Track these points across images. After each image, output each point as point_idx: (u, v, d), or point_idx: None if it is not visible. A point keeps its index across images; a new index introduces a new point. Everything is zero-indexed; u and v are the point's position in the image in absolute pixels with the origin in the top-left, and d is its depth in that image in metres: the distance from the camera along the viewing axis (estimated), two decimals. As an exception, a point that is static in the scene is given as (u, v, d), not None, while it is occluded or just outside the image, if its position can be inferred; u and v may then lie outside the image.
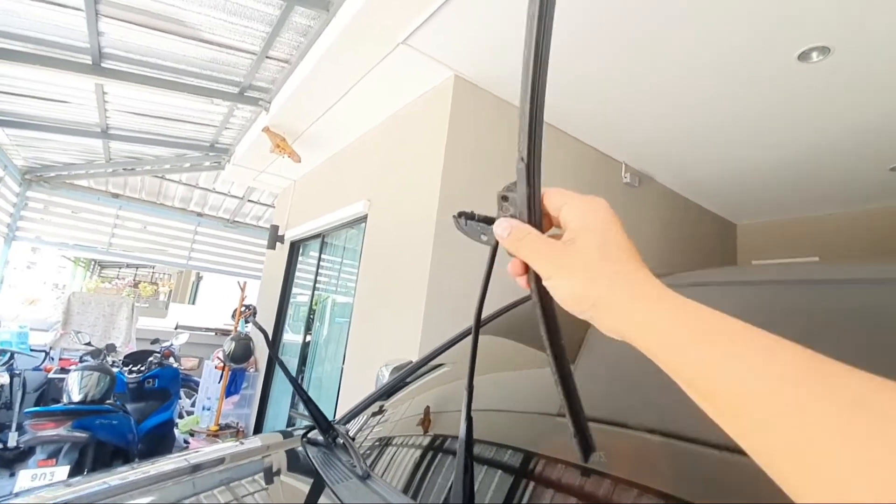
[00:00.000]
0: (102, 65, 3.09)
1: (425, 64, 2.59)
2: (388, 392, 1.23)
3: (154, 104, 3.81)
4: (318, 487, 0.89)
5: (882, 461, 0.20)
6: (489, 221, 0.42)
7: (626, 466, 0.66)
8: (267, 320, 4.68)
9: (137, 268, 14.54)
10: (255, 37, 2.80)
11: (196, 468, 1.02)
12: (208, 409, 4.47)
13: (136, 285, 13.04)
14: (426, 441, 0.96)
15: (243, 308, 4.46)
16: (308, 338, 4.26)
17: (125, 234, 6.55)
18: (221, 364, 4.20)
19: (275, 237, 4.78)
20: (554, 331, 0.38)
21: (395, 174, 3.05)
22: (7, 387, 4.09)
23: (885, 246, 3.98)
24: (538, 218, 0.39)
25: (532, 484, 0.70)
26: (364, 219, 3.28)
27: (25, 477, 2.67)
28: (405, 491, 0.80)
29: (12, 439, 3.77)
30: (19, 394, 4.12)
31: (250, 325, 5.01)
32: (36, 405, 4.19)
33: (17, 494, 1.08)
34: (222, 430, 4.06)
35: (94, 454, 2.95)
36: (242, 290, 4.60)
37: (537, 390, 0.94)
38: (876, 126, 2.81)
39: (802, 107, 2.69)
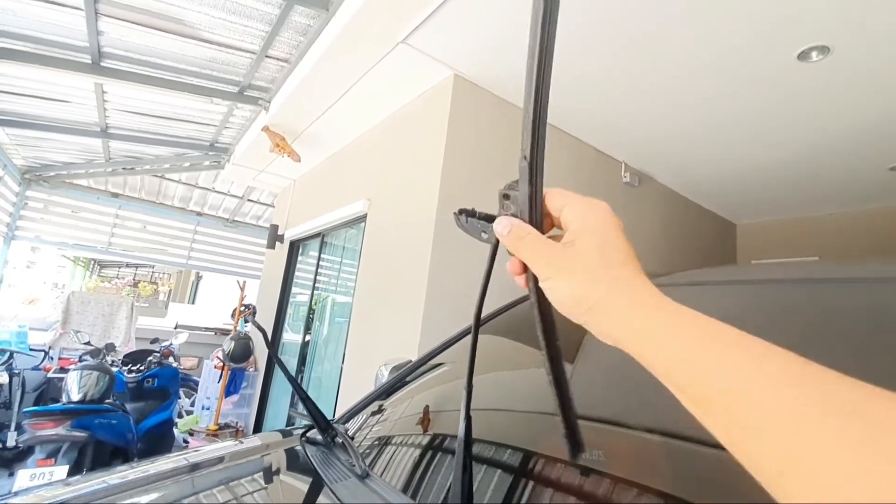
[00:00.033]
0: (102, 64, 3.09)
1: (425, 63, 2.59)
2: (387, 391, 1.23)
3: (154, 103, 3.81)
4: (316, 486, 0.89)
5: (875, 469, 0.20)
6: (490, 219, 0.42)
7: (623, 465, 0.66)
8: (266, 320, 4.68)
9: (137, 267, 14.52)
10: (254, 36, 2.80)
11: (195, 467, 1.02)
12: (208, 409, 4.47)
13: (135, 285, 13.03)
14: (425, 440, 0.96)
15: (243, 307, 4.46)
16: (307, 337, 4.26)
17: (125, 233, 6.55)
18: (221, 363, 4.20)
19: (274, 237, 4.78)
20: (551, 331, 0.38)
21: (395, 174, 3.05)
22: (6, 386, 4.09)
23: (885, 246, 3.98)
24: (539, 217, 0.38)
25: (530, 483, 0.70)
26: (363, 218, 3.27)
27: (24, 476, 2.67)
28: (404, 490, 0.80)
29: (11, 439, 3.77)
30: (18, 393, 4.11)
31: (250, 324, 5.02)
32: (35, 405, 4.19)
33: (16, 494, 1.08)
34: (222, 430, 4.06)
35: (94, 454, 2.95)
36: (242, 289, 4.60)
37: (536, 390, 0.94)
38: (876, 126, 2.81)
39: (802, 107, 2.69)
